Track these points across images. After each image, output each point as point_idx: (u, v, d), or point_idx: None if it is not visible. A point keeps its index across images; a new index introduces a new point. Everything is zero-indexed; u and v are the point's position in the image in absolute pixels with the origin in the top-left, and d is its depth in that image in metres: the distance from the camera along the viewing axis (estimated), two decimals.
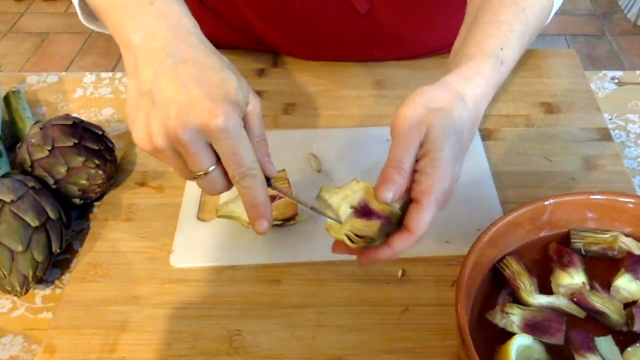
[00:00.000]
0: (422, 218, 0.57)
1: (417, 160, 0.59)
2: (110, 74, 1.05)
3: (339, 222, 0.60)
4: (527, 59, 1.03)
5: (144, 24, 0.60)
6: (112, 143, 0.83)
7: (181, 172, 0.60)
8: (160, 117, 0.56)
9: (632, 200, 0.66)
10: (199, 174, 0.58)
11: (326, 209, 0.61)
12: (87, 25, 0.74)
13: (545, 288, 0.63)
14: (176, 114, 0.56)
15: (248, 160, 0.57)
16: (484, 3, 0.70)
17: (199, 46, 0.59)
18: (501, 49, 0.66)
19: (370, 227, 0.58)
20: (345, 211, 0.60)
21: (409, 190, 0.59)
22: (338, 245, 0.61)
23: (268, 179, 0.61)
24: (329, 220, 0.60)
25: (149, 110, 0.57)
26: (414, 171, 0.59)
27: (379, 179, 0.59)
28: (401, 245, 0.58)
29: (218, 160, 0.58)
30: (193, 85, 0.56)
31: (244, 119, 0.60)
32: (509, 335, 0.58)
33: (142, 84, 0.58)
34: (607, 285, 0.63)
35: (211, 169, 0.58)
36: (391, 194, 0.57)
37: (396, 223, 0.59)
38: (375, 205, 0.59)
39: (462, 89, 0.62)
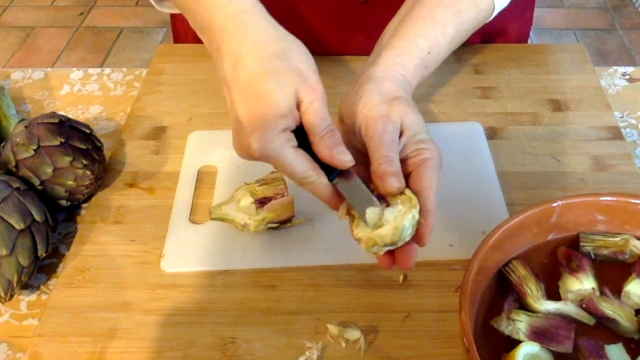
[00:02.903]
0: (431, 172, 0.61)
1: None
2: (98, 69, 1.05)
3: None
4: (534, 54, 1.03)
5: (202, 22, 0.65)
6: (100, 142, 0.83)
7: None
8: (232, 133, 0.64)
9: None
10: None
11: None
12: (159, 8, 0.81)
13: (553, 294, 0.64)
14: (234, 136, 0.62)
15: (299, 171, 0.61)
16: None
17: (245, 41, 0.62)
18: (428, 52, 0.70)
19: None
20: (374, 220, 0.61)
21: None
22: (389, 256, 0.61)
23: (339, 172, 0.62)
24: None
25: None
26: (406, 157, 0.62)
27: (377, 178, 0.60)
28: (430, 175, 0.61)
29: None
30: (240, 104, 0.61)
31: (302, 118, 0.62)
32: (515, 343, 0.58)
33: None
34: (617, 291, 0.63)
35: None
36: (397, 183, 0.59)
37: None
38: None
39: (398, 79, 0.68)
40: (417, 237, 0.59)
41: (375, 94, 0.65)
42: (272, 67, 0.60)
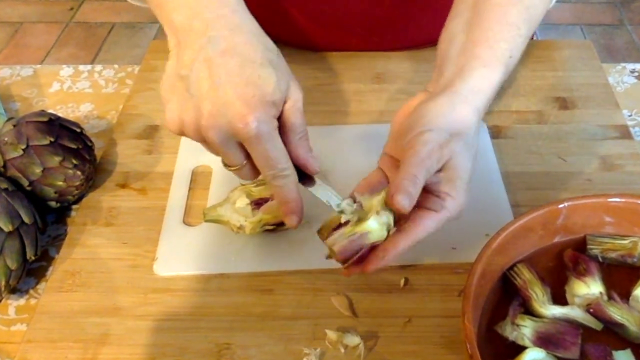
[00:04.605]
0: (429, 222, 0.62)
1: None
2: (89, 66, 1.05)
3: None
4: (539, 51, 1.03)
5: (186, 1, 0.63)
6: (91, 141, 0.83)
7: (213, 153, 0.65)
8: (193, 109, 0.60)
9: None
10: (230, 167, 0.64)
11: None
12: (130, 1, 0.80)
13: (559, 298, 0.63)
14: (209, 113, 0.59)
15: (280, 162, 0.62)
16: None
17: (242, 29, 0.62)
18: (510, 56, 0.69)
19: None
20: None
21: None
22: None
23: (309, 176, 0.66)
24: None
25: (184, 97, 0.61)
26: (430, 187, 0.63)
27: (393, 187, 0.60)
28: (428, 221, 0.62)
29: (249, 155, 0.63)
30: (228, 84, 0.59)
31: (282, 116, 0.63)
32: (520, 349, 0.58)
33: (180, 67, 0.61)
34: (626, 295, 0.63)
35: (243, 163, 0.63)
36: (407, 202, 0.59)
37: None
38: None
39: (478, 103, 0.66)
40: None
41: (442, 117, 0.64)
42: (270, 57, 0.62)
